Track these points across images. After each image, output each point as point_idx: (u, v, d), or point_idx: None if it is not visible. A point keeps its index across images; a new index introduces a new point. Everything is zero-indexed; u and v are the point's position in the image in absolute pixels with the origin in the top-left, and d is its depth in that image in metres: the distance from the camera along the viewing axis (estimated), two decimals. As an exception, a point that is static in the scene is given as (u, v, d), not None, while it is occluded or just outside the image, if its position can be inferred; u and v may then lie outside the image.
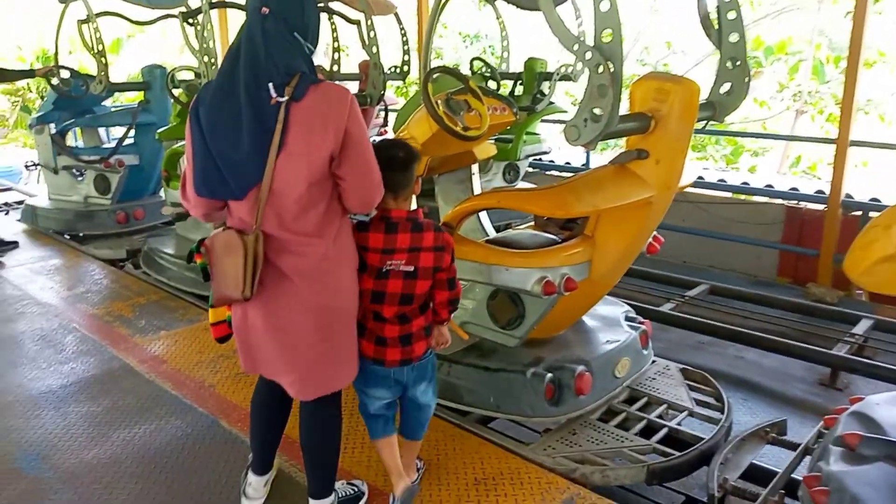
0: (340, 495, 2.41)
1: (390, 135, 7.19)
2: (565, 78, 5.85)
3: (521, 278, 2.78)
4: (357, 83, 6.75)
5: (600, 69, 2.17)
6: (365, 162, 1.96)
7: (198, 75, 4.75)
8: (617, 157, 2.68)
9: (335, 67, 6.94)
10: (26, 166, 7.13)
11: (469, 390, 3.04)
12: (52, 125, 6.22)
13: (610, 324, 3.38)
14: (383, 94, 5.31)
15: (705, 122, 2.86)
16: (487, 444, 2.85)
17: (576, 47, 2.21)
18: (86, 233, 6.18)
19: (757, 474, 2.82)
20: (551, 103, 5.86)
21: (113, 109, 6.61)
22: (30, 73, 5.31)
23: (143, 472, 2.67)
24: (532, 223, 3.39)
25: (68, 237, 6.19)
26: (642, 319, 3.48)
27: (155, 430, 2.95)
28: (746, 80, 2.78)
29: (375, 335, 2.23)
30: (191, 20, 5.28)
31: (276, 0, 1.88)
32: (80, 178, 6.26)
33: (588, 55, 2.19)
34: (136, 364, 3.60)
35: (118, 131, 6.25)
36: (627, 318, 3.46)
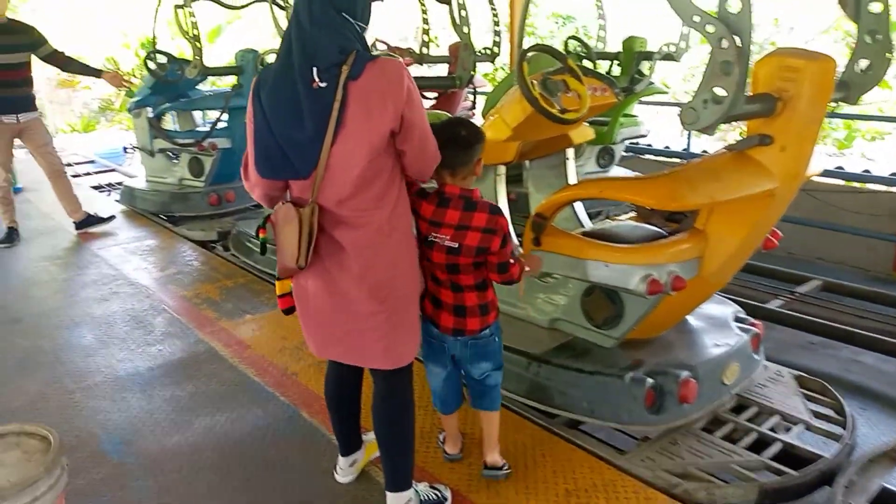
0: (423, 499, 2.29)
1: (478, 119, 7.01)
2: (668, 57, 5.49)
3: (622, 276, 2.54)
4: (447, 66, 6.71)
5: (724, 44, 1.94)
6: (424, 135, 1.98)
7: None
8: (737, 143, 2.39)
9: (424, 50, 6.83)
10: (125, 149, 7.37)
11: (560, 392, 2.84)
12: (150, 109, 6.37)
13: (718, 325, 3.09)
14: (473, 77, 5.15)
15: (836, 103, 2.53)
16: (579, 451, 2.65)
17: (696, 19, 1.98)
18: (180, 214, 6.31)
19: (889, 500, 2.51)
20: (651, 84, 5.51)
21: (207, 93, 6.70)
22: (96, 73, 5.51)
23: (221, 463, 2.61)
24: (633, 214, 3.13)
25: (164, 218, 6.34)
26: (753, 321, 3.18)
27: (236, 418, 2.91)
28: (888, 56, 2.43)
29: (433, 296, 2.28)
30: (280, 3, 5.27)
31: None
32: (175, 161, 6.41)
33: (710, 28, 1.96)
34: (221, 348, 3.58)
35: (213, 115, 6.32)
36: (737, 319, 3.17)
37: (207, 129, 5.98)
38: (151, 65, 6.18)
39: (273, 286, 4.37)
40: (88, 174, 10.23)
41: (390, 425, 2.19)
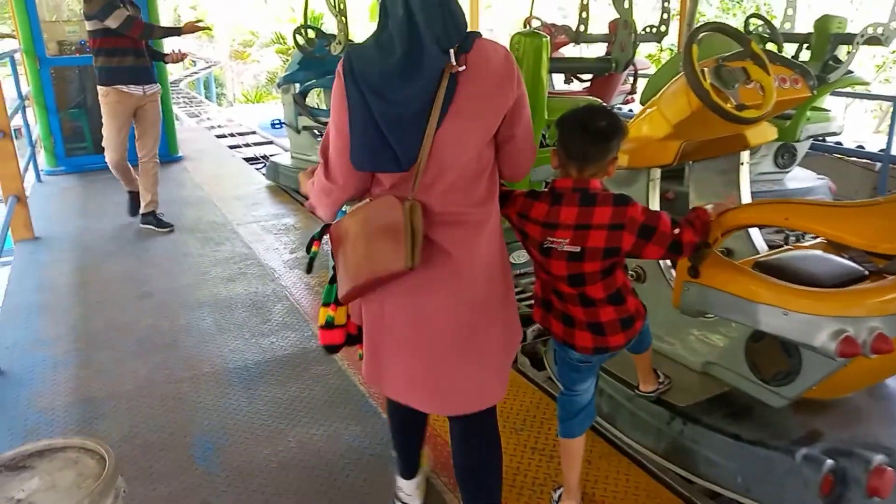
0: None
1: (636, 106, 6.38)
2: (873, 41, 4.59)
3: (805, 328, 1.96)
4: (605, 45, 6.13)
5: None
6: (529, 123, 1.76)
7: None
8: None
9: (582, 28, 6.29)
10: (272, 124, 7.44)
11: (709, 461, 2.32)
12: (297, 85, 6.34)
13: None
14: (633, 58, 4.58)
15: None
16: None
17: None
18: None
19: None
20: (850, 72, 4.65)
21: None
22: (176, 31, 5.32)
23: (308, 486, 2.36)
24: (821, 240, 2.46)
25: (306, 197, 6.30)
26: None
27: (333, 434, 2.65)
28: None
29: (562, 313, 1.97)
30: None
31: None
32: (319, 139, 6.35)
33: None
34: (333, 347, 3.37)
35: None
36: None
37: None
38: (300, 39, 6.13)
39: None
40: (248, 145, 10.66)
41: (493, 473, 1.90)
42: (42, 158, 7.39)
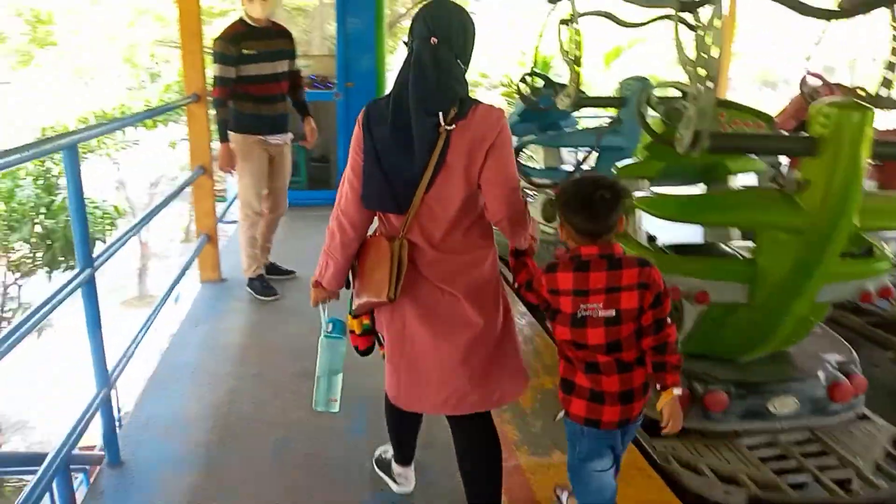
0: None
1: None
2: None
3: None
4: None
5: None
6: (504, 167, 1.94)
7: (685, 95, 3.40)
8: None
9: (884, 91, 4.88)
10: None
11: None
12: (514, 138, 5.64)
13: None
14: None
15: None
16: None
17: None
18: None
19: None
20: None
21: (581, 127, 5.73)
22: (303, 114, 4.60)
23: None
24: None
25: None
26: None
27: None
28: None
29: (590, 390, 1.94)
30: (690, 22, 4.00)
31: (444, 30, 1.93)
32: (530, 200, 5.53)
33: None
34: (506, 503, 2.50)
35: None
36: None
37: (570, 169, 4.96)
38: (524, 87, 5.42)
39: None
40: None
41: (495, 477, 2.17)
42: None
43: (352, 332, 2.18)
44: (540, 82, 5.49)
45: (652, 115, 3.51)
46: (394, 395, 2.14)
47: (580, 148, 5.47)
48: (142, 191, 18.24)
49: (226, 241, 5.72)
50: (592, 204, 1.84)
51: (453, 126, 1.87)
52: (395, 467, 2.53)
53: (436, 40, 1.91)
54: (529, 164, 5.80)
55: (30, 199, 8.11)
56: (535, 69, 5.57)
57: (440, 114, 1.87)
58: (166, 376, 3.45)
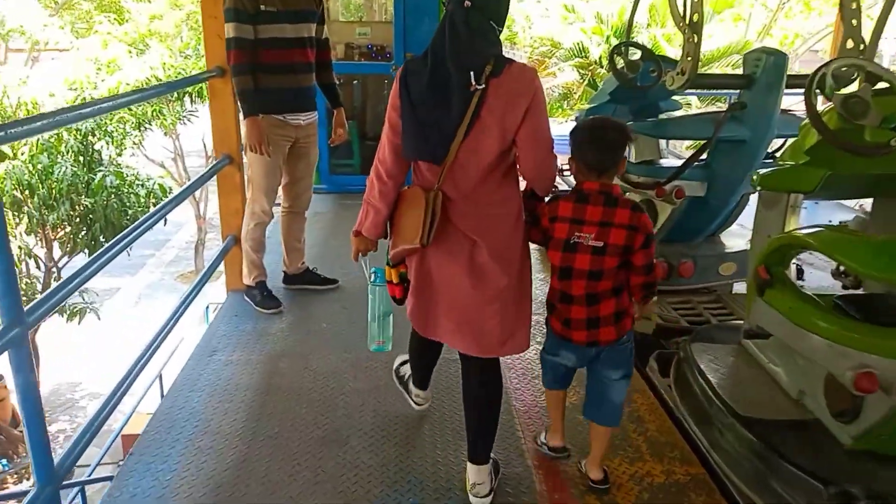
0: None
1: None
2: None
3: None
4: None
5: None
6: (540, 128, 2.04)
7: (873, 80, 2.41)
8: None
9: None
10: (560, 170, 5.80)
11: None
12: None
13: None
14: None
15: None
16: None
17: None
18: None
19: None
20: None
21: (694, 115, 4.71)
22: (333, 102, 3.84)
23: None
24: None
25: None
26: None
27: None
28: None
29: (563, 316, 2.24)
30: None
31: None
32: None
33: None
34: None
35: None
36: None
37: (677, 165, 3.99)
38: (619, 61, 4.43)
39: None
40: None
41: (489, 408, 2.30)
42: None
43: (389, 281, 2.28)
44: (636, 53, 4.49)
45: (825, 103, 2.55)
46: (415, 320, 2.30)
47: (691, 139, 4.44)
48: (200, 162, 17.89)
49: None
50: (602, 140, 2.12)
51: (483, 84, 1.97)
52: (413, 388, 2.73)
53: (469, 3, 1.99)
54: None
55: (67, 176, 7.56)
56: (629, 39, 4.56)
57: (472, 72, 1.96)
58: (162, 435, 2.71)
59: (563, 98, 14.79)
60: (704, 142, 3.74)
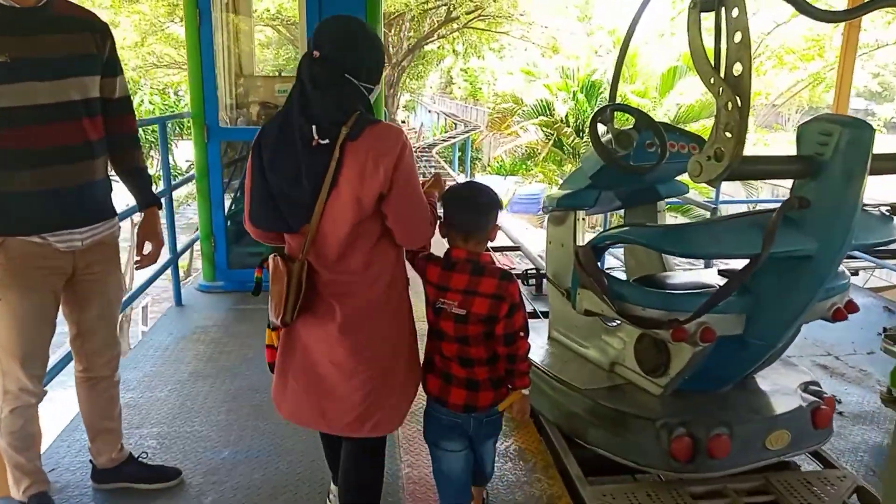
0: None
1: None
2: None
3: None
4: None
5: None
6: (409, 199, 1.96)
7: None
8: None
9: None
10: (526, 277, 4.42)
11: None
12: (582, 213, 3.29)
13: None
14: None
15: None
16: None
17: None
18: (598, 448, 2.85)
19: None
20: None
21: (721, 215, 3.35)
22: (142, 202, 2.55)
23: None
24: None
25: (563, 435, 3.14)
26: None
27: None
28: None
29: (442, 371, 2.19)
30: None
31: (329, 43, 1.90)
32: (610, 326, 3.15)
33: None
34: None
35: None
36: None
37: (699, 286, 2.59)
38: (602, 131, 3.08)
39: None
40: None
41: (358, 493, 2.17)
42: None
43: (269, 346, 2.18)
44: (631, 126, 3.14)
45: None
46: (277, 403, 2.17)
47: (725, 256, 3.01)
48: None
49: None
50: (468, 203, 2.13)
51: (326, 140, 1.85)
52: (332, 486, 2.54)
53: (318, 54, 1.89)
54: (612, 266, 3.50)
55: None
56: (617, 102, 3.22)
57: (314, 127, 1.85)
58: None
59: (526, 157, 13.61)
60: (748, 262, 2.37)
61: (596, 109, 3.08)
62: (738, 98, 2.06)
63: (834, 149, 2.29)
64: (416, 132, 38.46)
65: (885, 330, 3.76)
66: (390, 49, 22.44)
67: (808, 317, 2.60)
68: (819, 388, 2.95)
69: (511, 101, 14.61)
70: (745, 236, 2.41)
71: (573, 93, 12.53)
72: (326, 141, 1.84)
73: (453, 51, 28.05)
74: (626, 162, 2.97)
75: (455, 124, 33.23)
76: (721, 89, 2.08)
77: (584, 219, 3.33)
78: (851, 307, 2.72)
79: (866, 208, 2.61)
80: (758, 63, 15.22)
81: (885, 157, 2.49)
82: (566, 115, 12.25)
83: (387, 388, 2.07)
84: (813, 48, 14.86)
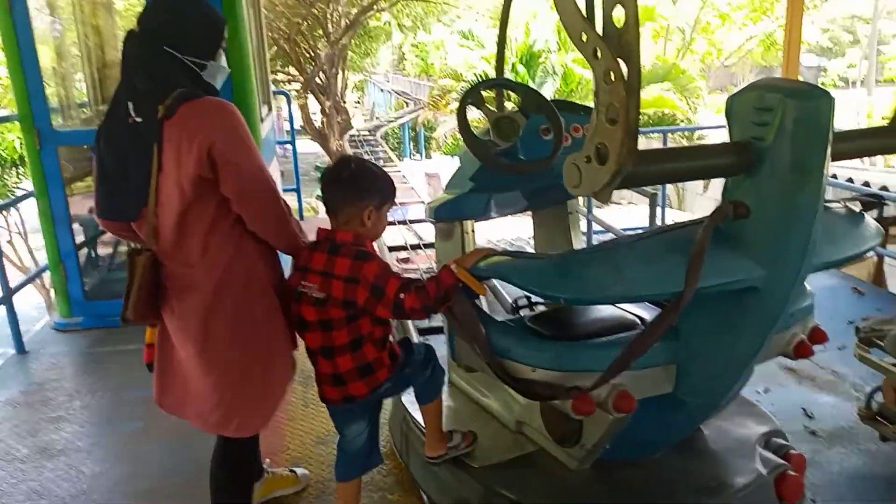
0: None
1: None
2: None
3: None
4: None
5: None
6: (239, 181, 1.83)
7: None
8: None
9: None
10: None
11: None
12: (467, 226, 2.56)
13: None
14: None
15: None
16: None
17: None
18: None
19: None
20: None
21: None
22: None
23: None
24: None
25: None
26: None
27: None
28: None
29: (315, 372, 2.06)
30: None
31: (152, 16, 1.84)
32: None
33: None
34: None
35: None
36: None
37: (609, 336, 1.87)
38: (488, 114, 2.32)
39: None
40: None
41: (219, 493, 2.11)
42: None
43: (149, 344, 2.06)
44: (516, 105, 2.38)
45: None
46: (159, 401, 2.08)
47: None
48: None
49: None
50: (333, 179, 1.94)
51: (142, 118, 1.77)
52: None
53: (137, 28, 1.83)
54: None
55: None
56: (505, 79, 2.46)
57: (130, 105, 1.78)
58: None
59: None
60: (667, 305, 1.62)
61: (465, 90, 2.29)
62: (623, 63, 1.31)
63: (777, 130, 1.55)
64: (368, 112, 37.30)
65: (857, 330, 3.09)
66: (329, 26, 21.32)
67: (760, 358, 1.88)
68: (784, 442, 2.30)
69: (451, 76, 13.76)
70: (661, 266, 1.66)
71: (512, 64, 11.72)
72: (140, 119, 1.77)
73: (399, 25, 26.99)
74: (511, 157, 2.21)
75: (406, 103, 32.15)
76: (597, 49, 1.33)
77: (473, 231, 2.58)
78: (818, 337, 2.03)
79: (828, 205, 1.91)
80: (705, 22, 14.63)
81: (848, 136, 1.78)
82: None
83: (245, 387, 1.96)
84: (760, 7, 14.31)
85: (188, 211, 1.80)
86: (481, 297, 2.13)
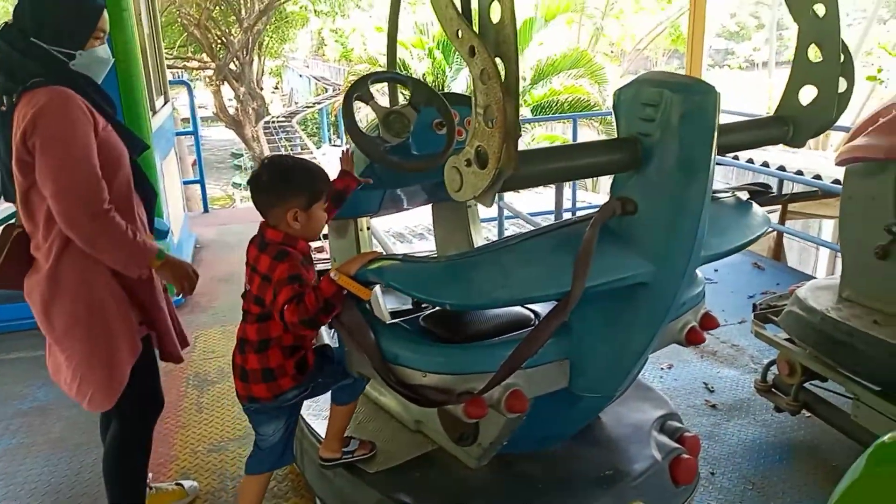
0: None
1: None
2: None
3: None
4: None
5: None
6: (47, 170, 1.80)
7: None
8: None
9: None
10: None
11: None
12: (364, 223, 2.49)
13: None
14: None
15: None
16: None
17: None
18: None
19: None
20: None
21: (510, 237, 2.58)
22: None
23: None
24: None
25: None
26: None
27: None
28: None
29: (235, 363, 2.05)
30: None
31: (16, 8, 1.88)
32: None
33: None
34: None
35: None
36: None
37: (500, 337, 1.83)
38: (376, 109, 2.24)
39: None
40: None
41: (105, 459, 2.19)
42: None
43: None
44: (406, 97, 2.32)
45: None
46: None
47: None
48: None
49: None
50: (255, 179, 1.92)
51: (4, 109, 1.85)
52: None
53: (10, 21, 1.88)
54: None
55: None
56: (394, 72, 2.40)
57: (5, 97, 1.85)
58: None
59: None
60: (555, 305, 1.59)
61: (352, 82, 2.20)
62: (500, 61, 1.25)
63: (663, 126, 1.53)
64: (287, 98, 36.37)
65: (754, 307, 3.19)
66: (242, 12, 20.65)
67: (652, 349, 1.88)
68: (679, 425, 2.31)
69: (368, 62, 13.54)
70: (548, 266, 1.62)
71: (429, 49, 11.62)
72: (3, 108, 1.86)
73: (314, 10, 26.35)
74: (404, 153, 2.14)
75: (326, 88, 31.54)
76: (473, 47, 1.26)
77: (368, 228, 2.50)
78: (709, 323, 2.05)
79: (717, 195, 1.92)
80: (618, 9, 14.87)
81: (734, 129, 1.79)
82: (423, 75, 11.36)
83: (91, 368, 2.01)
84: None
85: (28, 197, 1.89)
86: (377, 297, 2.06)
